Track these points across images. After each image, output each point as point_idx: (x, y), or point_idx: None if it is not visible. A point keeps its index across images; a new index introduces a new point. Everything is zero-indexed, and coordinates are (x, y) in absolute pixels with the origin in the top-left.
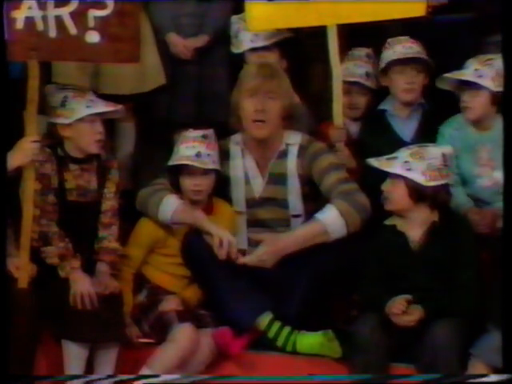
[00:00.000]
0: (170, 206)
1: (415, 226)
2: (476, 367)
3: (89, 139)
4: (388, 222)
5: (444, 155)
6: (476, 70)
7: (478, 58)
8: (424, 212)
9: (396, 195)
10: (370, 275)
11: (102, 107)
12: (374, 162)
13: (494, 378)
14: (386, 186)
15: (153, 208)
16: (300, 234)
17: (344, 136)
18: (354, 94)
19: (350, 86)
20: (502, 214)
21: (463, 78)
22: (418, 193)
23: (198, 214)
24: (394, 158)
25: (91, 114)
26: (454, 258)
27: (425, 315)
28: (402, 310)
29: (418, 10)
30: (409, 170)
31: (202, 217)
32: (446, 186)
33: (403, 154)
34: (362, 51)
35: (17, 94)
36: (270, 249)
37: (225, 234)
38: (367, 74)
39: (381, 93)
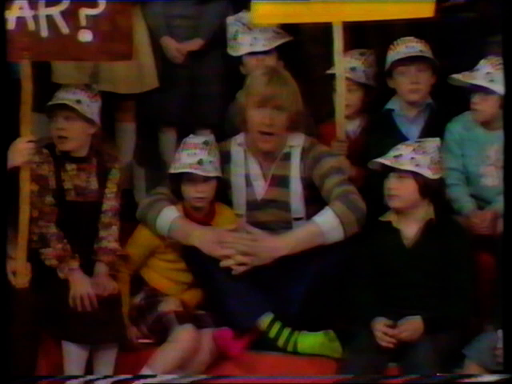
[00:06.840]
0: (167, 221)
1: (412, 222)
2: (470, 368)
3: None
4: (383, 218)
5: (439, 148)
6: (488, 73)
7: (490, 60)
8: (423, 208)
9: (405, 192)
10: (363, 277)
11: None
12: (384, 161)
13: (491, 377)
14: (393, 184)
15: (151, 221)
16: (293, 236)
17: (345, 149)
18: None
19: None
20: (502, 214)
21: (474, 82)
22: (427, 187)
23: (190, 236)
24: (400, 155)
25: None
26: (448, 259)
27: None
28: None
29: (426, 10)
30: (418, 165)
31: (195, 239)
32: (443, 180)
33: (406, 151)
34: (356, 51)
35: (17, 95)
36: (261, 243)
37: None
38: (353, 69)
39: (381, 92)
